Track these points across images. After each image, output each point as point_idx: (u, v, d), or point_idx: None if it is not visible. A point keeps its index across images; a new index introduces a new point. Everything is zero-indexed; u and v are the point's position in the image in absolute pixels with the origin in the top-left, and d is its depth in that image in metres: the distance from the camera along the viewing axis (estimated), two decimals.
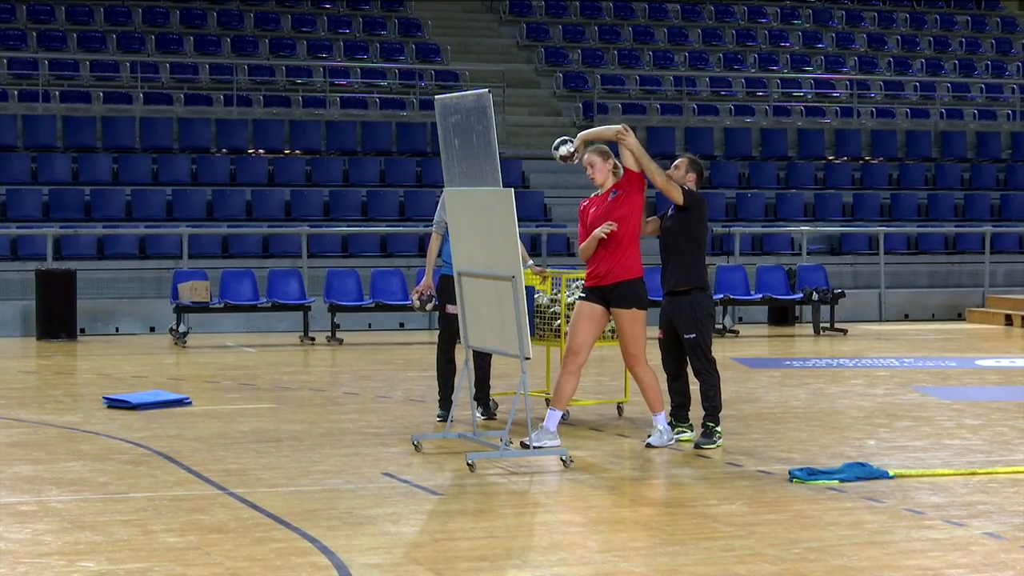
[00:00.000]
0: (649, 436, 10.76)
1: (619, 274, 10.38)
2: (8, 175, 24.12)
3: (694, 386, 10.89)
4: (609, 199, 10.41)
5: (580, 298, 10.67)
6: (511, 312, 9.87)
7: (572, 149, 10.48)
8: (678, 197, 10.54)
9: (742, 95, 30.24)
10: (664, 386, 10.91)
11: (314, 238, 23.42)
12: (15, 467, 9.98)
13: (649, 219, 10.85)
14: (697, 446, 10.68)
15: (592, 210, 10.49)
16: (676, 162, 10.87)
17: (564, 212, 25.26)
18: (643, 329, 10.49)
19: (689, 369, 10.93)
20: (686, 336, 10.66)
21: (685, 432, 10.92)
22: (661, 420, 10.67)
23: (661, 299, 10.86)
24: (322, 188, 25.12)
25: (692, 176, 10.77)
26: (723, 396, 13.85)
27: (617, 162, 10.52)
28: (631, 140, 10.37)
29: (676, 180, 10.65)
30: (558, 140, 10.64)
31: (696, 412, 11.02)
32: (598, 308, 10.48)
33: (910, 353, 18.49)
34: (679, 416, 10.96)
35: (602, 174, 10.47)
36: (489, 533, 7.88)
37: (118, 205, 24.02)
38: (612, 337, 11.73)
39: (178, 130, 25.70)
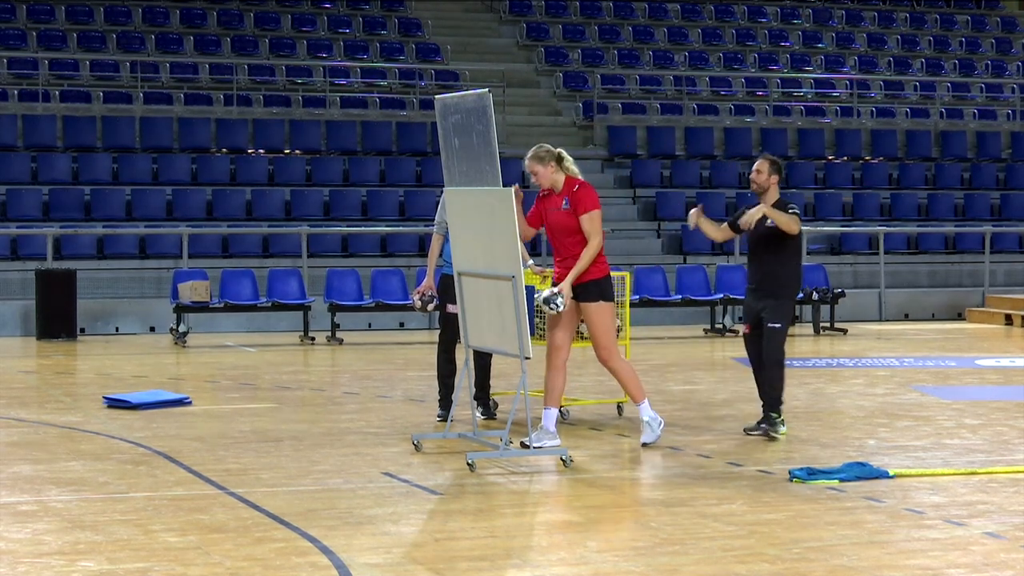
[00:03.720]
0: (642, 434, 10.77)
1: (586, 274, 10.43)
2: (8, 175, 24.12)
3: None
4: (563, 207, 10.43)
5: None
6: (511, 312, 9.87)
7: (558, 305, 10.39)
8: (796, 229, 10.92)
9: (742, 95, 30.24)
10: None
11: (314, 238, 23.42)
12: (15, 467, 9.98)
13: (721, 226, 11.44)
14: (767, 435, 11.04)
15: (554, 211, 10.49)
16: (756, 165, 11.14)
17: None
18: (612, 321, 10.53)
19: None
20: (770, 324, 10.99)
21: (780, 426, 11.14)
22: (646, 410, 10.68)
23: (743, 296, 11.52)
24: (322, 188, 25.13)
25: (775, 178, 11.12)
26: (723, 396, 13.92)
27: (554, 163, 10.49)
28: (768, 209, 10.87)
29: (760, 184, 11.08)
30: (550, 298, 10.35)
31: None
32: (572, 302, 10.51)
33: (910, 353, 18.49)
34: (775, 410, 11.16)
35: (547, 178, 10.53)
36: (489, 533, 7.88)
37: (118, 205, 24.03)
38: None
39: (178, 130, 25.70)
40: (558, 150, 10.59)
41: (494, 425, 11.80)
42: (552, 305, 10.31)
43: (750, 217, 10.99)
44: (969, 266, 26.37)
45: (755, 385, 11.43)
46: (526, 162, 10.54)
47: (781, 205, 11.07)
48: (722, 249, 25.26)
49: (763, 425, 11.14)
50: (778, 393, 11.13)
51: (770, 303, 11.07)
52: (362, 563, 7.14)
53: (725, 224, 11.51)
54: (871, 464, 9.66)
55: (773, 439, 11.04)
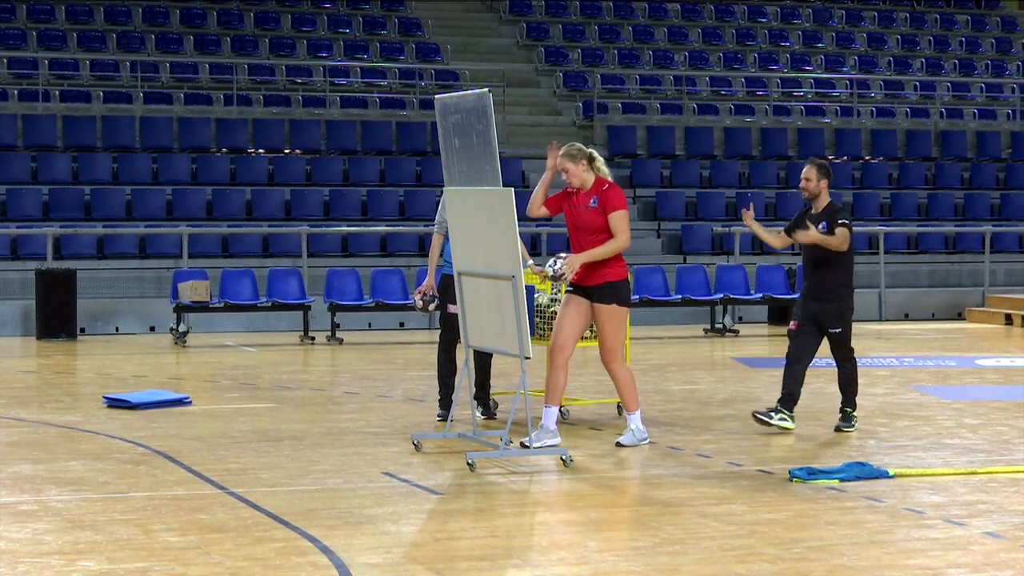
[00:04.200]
0: (621, 435, 10.79)
1: (604, 276, 10.44)
2: (8, 175, 24.12)
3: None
4: (591, 205, 10.44)
5: (568, 290, 10.70)
6: (511, 312, 9.88)
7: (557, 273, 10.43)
8: (844, 249, 11.34)
9: (742, 95, 30.24)
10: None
11: (314, 238, 23.42)
12: (15, 467, 9.98)
13: (779, 233, 11.86)
14: (838, 429, 11.50)
15: (580, 208, 10.50)
16: (804, 173, 11.52)
17: None
18: (623, 326, 10.55)
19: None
20: (832, 330, 11.43)
21: (787, 420, 11.41)
22: (635, 419, 10.71)
23: (798, 296, 11.88)
24: (322, 188, 25.12)
25: (824, 183, 11.51)
26: (723, 396, 13.92)
27: (586, 161, 10.52)
28: (813, 234, 11.24)
29: (811, 191, 11.43)
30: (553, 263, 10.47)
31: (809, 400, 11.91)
32: (584, 303, 10.52)
33: (910, 353, 18.49)
34: (787, 404, 11.45)
35: (578, 177, 10.52)
36: (489, 533, 7.88)
37: (118, 205, 24.02)
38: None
39: (178, 130, 25.70)
40: (590, 150, 10.60)
41: (494, 425, 11.80)
42: (550, 267, 10.31)
43: (806, 238, 11.31)
44: (969, 266, 26.36)
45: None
46: (560, 159, 10.54)
47: (833, 210, 11.45)
48: (722, 249, 25.27)
49: (839, 422, 11.63)
50: (854, 389, 11.62)
51: (828, 308, 11.48)
52: (362, 563, 7.14)
53: (782, 232, 11.93)
54: (871, 464, 9.66)
55: (844, 432, 11.45)
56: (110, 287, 22.58)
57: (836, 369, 11.85)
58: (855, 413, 11.62)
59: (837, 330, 11.48)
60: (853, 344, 11.67)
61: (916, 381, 15.25)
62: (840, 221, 11.32)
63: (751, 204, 11.89)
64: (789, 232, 11.76)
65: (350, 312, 21.08)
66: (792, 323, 11.66)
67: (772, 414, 11.39)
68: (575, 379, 14.51)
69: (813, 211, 11.51)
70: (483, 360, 12.09)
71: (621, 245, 10.40)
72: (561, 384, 10.54)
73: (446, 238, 11.67)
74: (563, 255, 10.42)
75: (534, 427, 10.32)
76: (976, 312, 24.41)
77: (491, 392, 12.31)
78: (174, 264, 22.41)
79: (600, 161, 10.61)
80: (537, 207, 10.59)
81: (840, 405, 11.66)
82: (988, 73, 32.70)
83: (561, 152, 10.54)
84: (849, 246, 11.42)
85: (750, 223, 11.64)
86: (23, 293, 21.86)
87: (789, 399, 11.43)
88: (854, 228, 11.55)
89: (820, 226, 11.36)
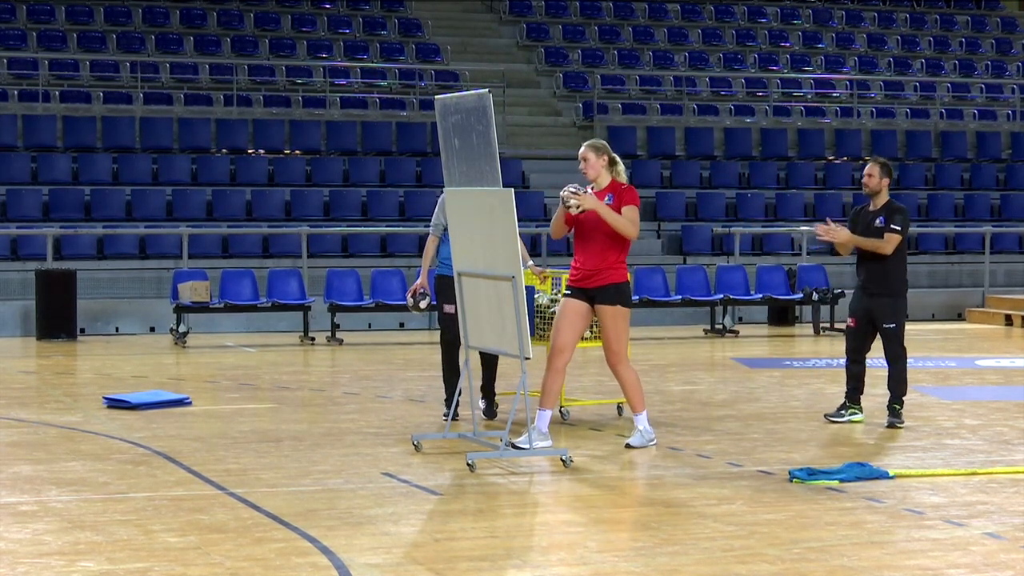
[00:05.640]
0: (630, 436, 10.78)
1: (606, 277, 10.44)
2: (8, 175, 24.12)
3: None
4: (606, 203, 10.44)
5: (565, 295, 10.69)
6: (511, 312, 9.88)
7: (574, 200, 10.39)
8: (890, 249, 11.62)
9: (742, 95, 30.24)
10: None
11: (314, 238, 23.42)
12: (15, 467, 9.98)
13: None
14: (891, 425, 11.72)
15: None
16: (867, 169, 11.84)
17: None
18: (626, 327, 10.53)
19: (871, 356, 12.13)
20: (886, 325, 11.71)
21: (857, 414, 12.02)
22: (642, 420, 10.69)
23: (853, 291, 12.16)
24: (322, 188, 25.12)
25: (886, 180, 11.85)
26: (723, 396, 13.92)
27: (607, 159, 10.54)
28: (843, 235, 11.63)
29: (872, 187, 11.75)
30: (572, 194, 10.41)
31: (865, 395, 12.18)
32: (583, 305, 10.51)
33: (910, 353, 18.41)
34: (853, 399, 12.04)
35: (595, 170, 10.54)
36: (489, 533, 7.88)
37: (118, 205, 24.02)
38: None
39: (178, 130, 25.70)
40: (614, 154, 10.64)
41: (494, 426, 11.80)
42: (575, 186, 10.30)
43: (830, 235, 11.69)
44: (969, 266, 26.37)
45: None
46: (582, 149, 10.57)
47: (890, 208, 11.76)
48: (722, 249, 25.27)
49: (889, 417, 11.83)
50: (903, 387, 11.87)
51: (882, 303, 11.77)
52: (362, 563, 7.14)
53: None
54: (871, 464, 9.67)
55: (897, 428, 11.68)
56: (110, 287, 22.58)
57: (845, 368, 12.12)
58: (902, 409, 11.84)
59: (891, 325, 11.75)
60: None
61: (916, 382, 15.23)
62: (892, 226, 11.59)
63: (826, 218, 12.09)
64: (852, 229, 11.93)
65: (350, 312, 21.08)
66: (850, 319, 12.05)
67: (843, 412, 11.95)
68: (575, 379, 14.51)
69: (871, 207, 11.82)
70: (490, 359, 12.04)
71: (630, 231, 10.46)
72: (557, 388, 10.53)
73: (442, 239, 11.68)
74: (589, 189, 10.38)
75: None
76: (976, 313, 24.41)
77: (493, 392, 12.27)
78: (174, 264, 22.41)
79: (621, 167, 10.66)
80: (559, 228, 10.58)
81: (888, 402, 11.86)
82: (988, 73, 32.70)
83: (587, 143, 10.63)
84: (900, 243, 11.65)
85: (842, 238, 11.75)
86: (23, 293, 21.86)
87: (854, 393, 11.97)
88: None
89: (878, 220, 11.68)
